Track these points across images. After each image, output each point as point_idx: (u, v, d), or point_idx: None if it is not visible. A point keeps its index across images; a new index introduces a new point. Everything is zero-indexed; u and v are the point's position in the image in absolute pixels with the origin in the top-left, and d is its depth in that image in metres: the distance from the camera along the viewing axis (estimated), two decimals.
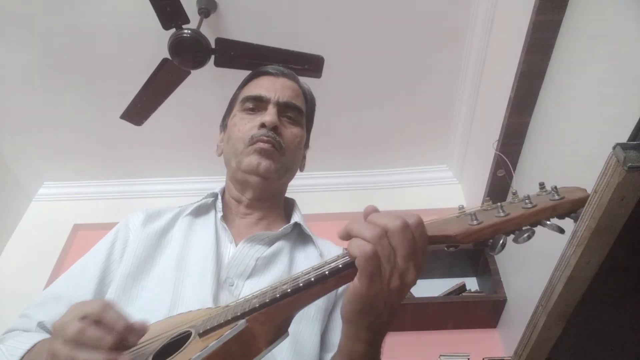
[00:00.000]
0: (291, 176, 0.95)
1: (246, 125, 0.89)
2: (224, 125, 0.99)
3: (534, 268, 1.92)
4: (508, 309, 2.29)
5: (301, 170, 0.99)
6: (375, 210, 0.53)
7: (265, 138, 0.86)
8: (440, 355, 2.23)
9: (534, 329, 1.77)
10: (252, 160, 0.86)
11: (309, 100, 0.99)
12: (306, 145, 1.00)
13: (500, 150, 2.04)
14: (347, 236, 0.52)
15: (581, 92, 1.57)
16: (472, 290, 2.52)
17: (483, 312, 2.35)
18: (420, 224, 0.51)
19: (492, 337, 2.39)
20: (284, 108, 0.91)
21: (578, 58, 1.58)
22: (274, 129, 0.87)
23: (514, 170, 2.06)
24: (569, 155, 1.64)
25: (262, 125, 0.87)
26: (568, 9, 1.60)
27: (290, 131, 0.91)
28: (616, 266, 1.46)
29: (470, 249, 2.49)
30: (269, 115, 0.87)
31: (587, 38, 1.51)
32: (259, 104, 0.91)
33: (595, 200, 1.33)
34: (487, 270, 2.43)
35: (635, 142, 1.21)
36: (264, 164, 0.85)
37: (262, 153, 0.86)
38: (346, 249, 0.51)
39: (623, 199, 1.27)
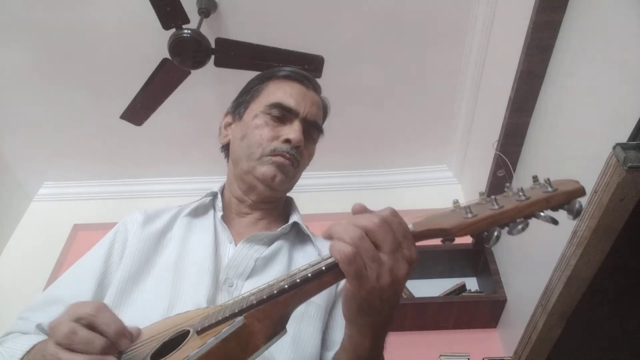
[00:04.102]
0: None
1: (269, 133, 0.86)
2: (236, 113, 0.95)
3: (534, 268, 1.92)
4: (508, 309, 2.29)
5: None
6: (362, 208, 0.53)
7: (287, 155, 0.85)
8: (440, 355, 2.23)
9: (534, 329, 1.77)
10: (268, 170, 0.85)
11: (325, 114, 0.99)
12: None
13: (500, 150, 2.04)
14: (330, 237, 0.52)
15: (581, 92, 1.57)
16: (472, 290, 2.52)
17: (483, 312, 2.35)
18: (394, 214, 0.51)
19: (492, 337, 2.39)
20: (308, 125, 0.89)
21: (578, 58, 1.58)
22: (297, 147, 0.86)
23: (514, 170, 2.06)
24: (569, 155, 1.64)
25: (287, 141, 0.85)
26: (568, 9, 1.60)
27: (308, 150, 0.91)
28: (616, 266, 1.46)
29: (470, 249, 2.49)
30: (297, 133, 0.85)
31: (587, 38, 1.51)
32: (286, 114, 0.88)
33: (595, 200, 1.33)
34: (487, 270, 2.43)
35: (635, 142, 1.21)
36: (280, 177, 0.85)
37: (280, 167, 0.85)
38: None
39: (623, 199, 1.27)
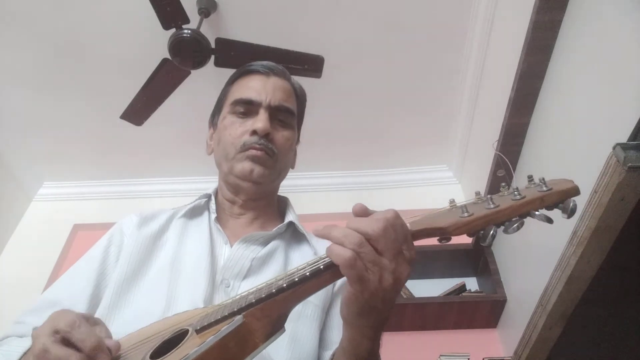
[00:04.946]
0: (284, 177, 0.95)
1: (237, 130, 0.87)
2: (213, 123, 0.97)
3: (534, 268, 1.92)
4: (508, 309, 2.29)
5: (292, 167, 0.98)
6: (363, 208, 0.53)
7: (257, 146, 0.85)
8: (440, 355, 2.23)
9: (534, 329, 1.77)
10: (244, 166, 0.85)
11: (300, 98, 0.97)
12: (297, 141, 0.99)
13: (500, 150, 2.04)
14: (324, 237, 0.52)
15: (581, 92, 1.57)
16: (472, 290, 2.52)
17: (483, 312, 2.35)
18: (397, 217, 0.51)
19: (492, 337, 2.39)
20: (275, 111, 0.89)
21: (578, 58, 1.58)
22: (266, 135, 0.86)
23: (514, 170, 2.06)
24: (569, 155, 1.64)
25: (254, 132, 0.85)
26: (568, 9, 1.60)
27: (282, 134, 0.89)
28: (616, 266, 1.46)
29: (470, 249, 2.49)
30: (261, 122, 0.85)
31: (587, 38, 1.51)
32: (249, 107, 0.88)
33: (595, 200, 1.33)
34: (487, 270, 2.43)
35: (635, 142, 1.21)
36: (257, 170, 0.85)
37: (254, 160, 0.85)
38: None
39: (623, 199, 1.27)
